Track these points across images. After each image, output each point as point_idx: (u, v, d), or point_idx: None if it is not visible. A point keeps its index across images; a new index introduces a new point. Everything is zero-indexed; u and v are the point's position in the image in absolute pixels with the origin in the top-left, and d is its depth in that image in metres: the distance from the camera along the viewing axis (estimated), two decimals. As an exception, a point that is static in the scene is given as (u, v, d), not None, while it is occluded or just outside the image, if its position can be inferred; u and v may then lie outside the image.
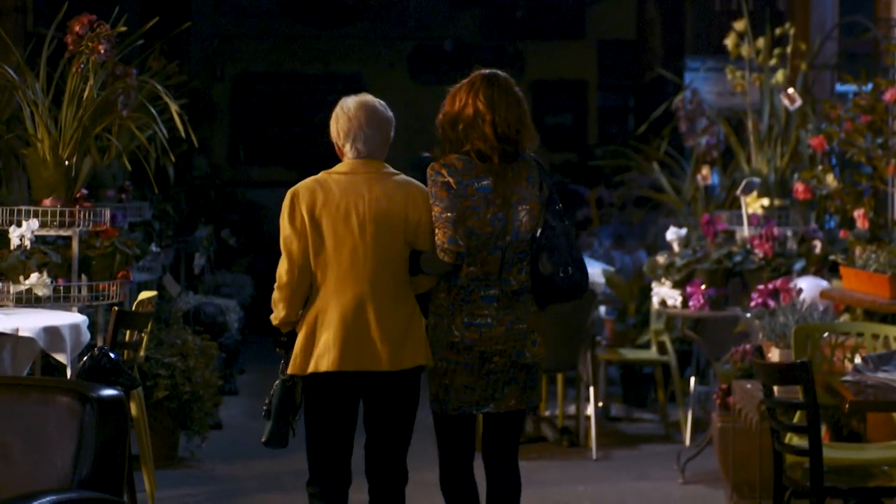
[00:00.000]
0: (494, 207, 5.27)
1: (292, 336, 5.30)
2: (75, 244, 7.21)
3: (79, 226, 7.20)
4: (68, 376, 6.33)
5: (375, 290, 5.22)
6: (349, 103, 5.42)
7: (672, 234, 8.55)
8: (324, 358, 5.18)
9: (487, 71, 5.39)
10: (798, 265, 8.30)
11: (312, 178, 5.32)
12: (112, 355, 6.09)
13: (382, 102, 5.46)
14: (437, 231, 5.23)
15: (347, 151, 5.36)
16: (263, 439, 5.36)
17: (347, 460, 5.32)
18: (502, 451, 5.46)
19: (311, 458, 5.32)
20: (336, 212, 5.23)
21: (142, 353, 7.16)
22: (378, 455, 5.35)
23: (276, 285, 5.29)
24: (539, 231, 5.31)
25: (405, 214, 5.25)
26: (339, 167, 5.35)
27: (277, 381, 5.35)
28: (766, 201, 8.95)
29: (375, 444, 5.35)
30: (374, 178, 5.30)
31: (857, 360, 5.73)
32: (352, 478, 5.35)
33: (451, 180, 5.24)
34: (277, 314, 5.30)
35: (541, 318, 5.40)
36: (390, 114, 5.45)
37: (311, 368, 5.20)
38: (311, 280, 5.26)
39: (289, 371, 5.27)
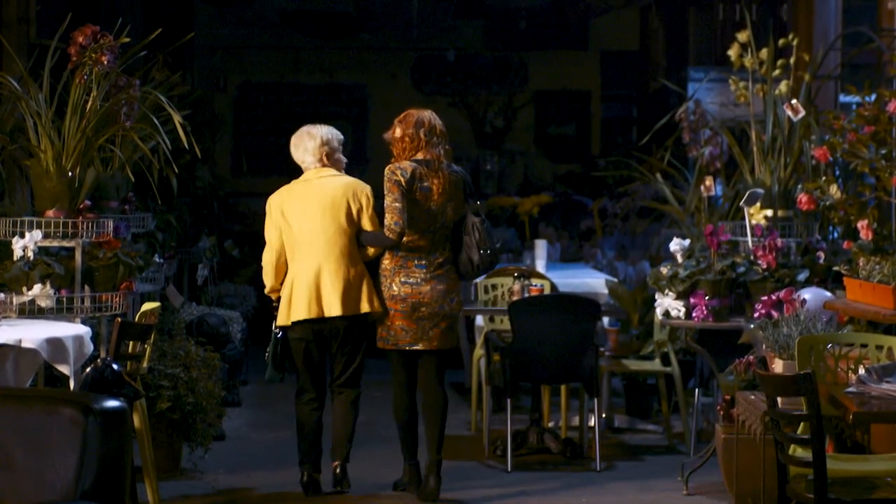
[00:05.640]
0: (431, 202, 7.35)
1: (280, 301, 7.47)
2: (78, 255, 7.22)
3: (82, 237, 7.21)
4: (71, 387, 6.33)
5: (328, 260, 7.39)
6: (295, 138, 7.65)
7: (675, 244, 8.53)
8: (297, 311, 7.39)
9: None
10: (802, 276, 8.29)
11: (284, 187, 7.62)
12: (115, 366, 6.10)
13: (318, 126, 7.64)
14: (386, 215, 7.26)
15: (304, 168, 7.63)
16: (266, 378, 7.55)
17: (323, 378, 7.61)
18: (431, 381, 7.54)
19: (299, 379, 7.59)
20: (297, 208, 7.46)
21: (145, 364, 7.16)
22: (339, 376, 7.57)
23: (263, 264, 7.57)
24: (465, 223, 7.41)
25: (348, 205, 7.44)
26: (301, 177, 7.62)
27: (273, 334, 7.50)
28: (769, 212, 8.95)
29: (336, 370, 7.58)
30: (325, 181, 7.51)
31: (861, 371, 5.72)
32: (326, 391, 7.61)
33: (401, 179, 7.28)
34: (266, 286, 7.60)
35: (458, 284, 7.55)
36: (324, 131, 7.59)
37: (291, 319, 7.41)
38: (285, 259, 7.48)
39: (277, 323, 7.47)
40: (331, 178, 7.52)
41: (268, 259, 7.54)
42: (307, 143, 7.58)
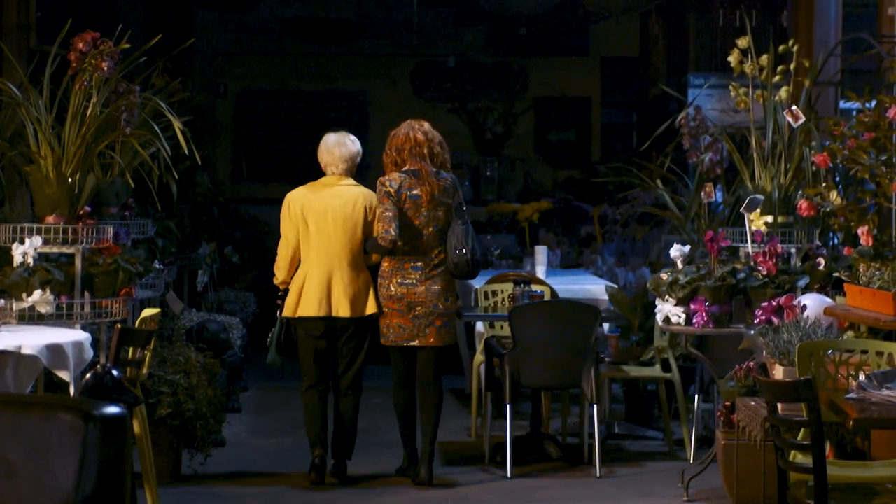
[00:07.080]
0: (421, 208, 7.96)
1: (286, 292, 8.04)
2: (78, 261, 7.22)
3: (82, 243, 7.21)
4: (71, 394, 6.33)
5: (341, 264, 7.98)
6: (330, 141, 8.11)
7: (675, 251, 8.52)
8: (307, 306, 7.96)
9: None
10: (802, 282, 8.27)
11: (303, 186, 8.15)
12: (115, 373, 6.07)
13: (352, 137, 8.17)
14: (378, 224, 7.90)
15: (327, 171, 8.15)
16: (267, 362, 8.17)
17: (327, 373, 8.11)
18: (427, 376, 8.08)
19: (303, 372, 8.13)
20: (318, 211, 8.02)
21: (145, 370, 7.16)
22: (341, 376, 8.08)
23: (277, 258, 8.12)
24: (454, 226, 7.93)
25: (363, 213, 8.04)
26: (321, 180, 8.16)
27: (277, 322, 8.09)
28: (769, 218, 8.93)
29: (339, 368, 8.09)
30: (344, 189, 8.09)
31: (861, 377, 5.72)
32: (329, 386, 8.09)
33: (391, 190, 7.91)
34: (277, 277, 8.16)
35: (453, 283, 8.12)
36: (358, 147, 8.17)
37: (299, 313, 7.98)
38: (299, 255, 8.03)
39: (284, 314, 8.03)
40: (350, 186, 8.10)
41: (283, 254, 8.11)
42: (345, 150, 8.09)
